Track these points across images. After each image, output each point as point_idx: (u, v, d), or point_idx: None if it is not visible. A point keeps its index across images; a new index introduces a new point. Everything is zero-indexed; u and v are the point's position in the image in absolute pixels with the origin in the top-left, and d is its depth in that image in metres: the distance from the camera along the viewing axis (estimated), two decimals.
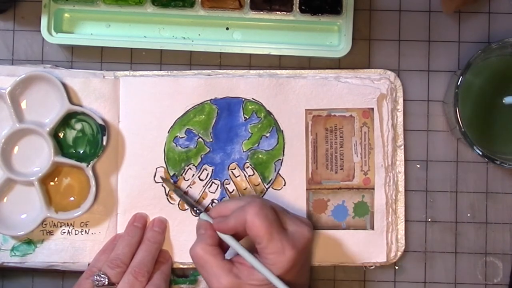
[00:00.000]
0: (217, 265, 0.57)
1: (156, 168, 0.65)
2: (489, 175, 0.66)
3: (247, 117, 0.65)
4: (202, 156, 0.65)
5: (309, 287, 0.62)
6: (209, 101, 0.65)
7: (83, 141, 0.65)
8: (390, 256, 0.65)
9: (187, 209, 0.65)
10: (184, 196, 0.64)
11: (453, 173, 0.66)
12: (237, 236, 0.59)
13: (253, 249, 0.58)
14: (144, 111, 0.65)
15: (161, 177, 0.65)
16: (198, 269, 0.58)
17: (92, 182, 0.63)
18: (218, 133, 0.65)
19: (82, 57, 0.67)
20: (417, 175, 0.66)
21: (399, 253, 0.65)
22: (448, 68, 0.67)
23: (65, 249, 0.65)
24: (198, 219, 0.61)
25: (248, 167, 0.65)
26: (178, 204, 0.65)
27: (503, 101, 0.63)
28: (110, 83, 0.65)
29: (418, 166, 0.66)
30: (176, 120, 0.65)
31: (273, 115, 0.65)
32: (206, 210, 0.64)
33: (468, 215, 0.66)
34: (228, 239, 0.59)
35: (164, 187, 0.65)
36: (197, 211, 0.62)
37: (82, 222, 0.65)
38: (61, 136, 0.65)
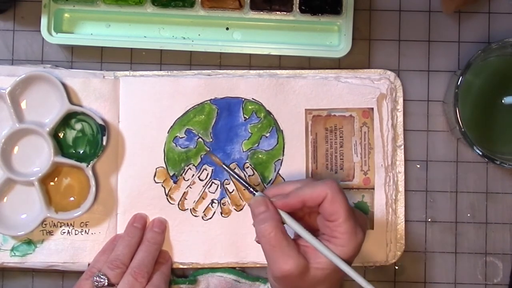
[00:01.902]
0: (288, 245, 0.54)
1: (156, 168, 0.65)
2: (489, 175, 0.66)
3: (247, 117, 0.65)
4: (202, 156, 0.65)
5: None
6: (209, 101, 0.65)
7: (83, 141, 0.65)
8: (390, 256, 0.65)
9: (187, 209, 0.65)
10: (237, 175, 0.62)
11: (453, 173, 0.66)
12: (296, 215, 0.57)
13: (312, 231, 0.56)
14: (144, 111, 0.65)
15: (209, 152, 0.64)
16: (266, 248, 0.55)
17: (92, 182, 0.63)
18: (218, 133, 0.65)
19: (82, 57, 0.67)
20: (417, 175, 0.66)
21: (399, 253, 0.65)
22: (448, 68, 0.67)
23: (65, 249, 0.65)
24: (252, 198, 0.58)
25: (248, 167, 0.65)
26: (178, 204, 0.65)
27: (503, 101, 0.63)
28: (110, 83, 0.65)
29: (418, 166, 0.66)
30: (176, 120, 0.65)
31: (273, 115, 0.65)
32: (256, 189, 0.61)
33: (468, 215, 0.66)
34: (290, 221, 0.56)
35: (164, 187, 0.65)
36: (252, 190, 0.59)
37: (82, 222, 0.65)
38: (61, 136, 0.65)
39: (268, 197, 0.58)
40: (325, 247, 0.54)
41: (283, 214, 0.56)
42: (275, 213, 0.56)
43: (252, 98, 0.65)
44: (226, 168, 0.63)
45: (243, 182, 0.61)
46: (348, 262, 0.55)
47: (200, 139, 0.65)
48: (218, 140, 0.65)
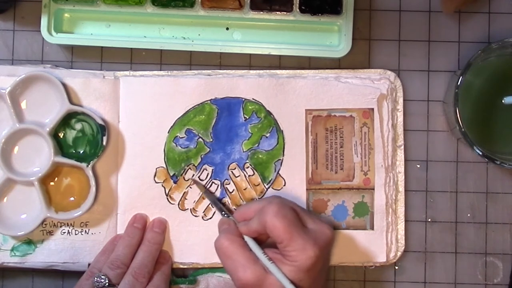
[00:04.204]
0: (243, 255, 0.57)
1: (156, 168, 0.65)
2: (489, 175, 0.66)
3: (247, 117, 0.65)
4: (202, 156, 0.65)
5: None
6: (209, 101, 0.65)
7: (83, 141, 0.65)
8: (390, 256, 0.65)
9: (187, 209, 0.65)
10: (214, 200, 0.65)
11: (453, 173, 0.66)
12: (262, 237, 0.60)
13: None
14: (144, 111, 0.65)
15: (193, 180, 0.65)
16: (223, 260, 0.58)
17: (92, 182, 0.63)
18: (218, 133, 0.65)
19: (82, 57, 0.67)
20: (417, 175, 0.66)
21: (399, 253, 0.65)
22: (448, 68, 0.67)
23: (65, 249, 0.65)
24: (221, 218, 0.63)
25: (248, 167, 0.65)
26: (178, 204, 0.65)
27: (503, 101, 0.63)
28: (110, 83, 0.65)
29: (418, 166, 0.66)
30: (176, 120, 0.65)
31: (273, 115, 0.65)
32: (231, 212, 0.64)
33: (468, 215, 0.66)
34: (250, 242, 0.59)
35: (164, 187, 0.65)
36: (225, 215, 0.63)
37: (82, 222, 0.65)
38: (61, 136, 0.65)
39: (236, 220, 0.62)
40: (278, 269, 0.56)
41: (246, 238, 0.59)
42: (235, 229, 0.60)
43: (252, 98, 0.65)
44: (208, 193, 0.65)
45: (219, 206, 0.64)
46: (307, 275, 0.56)
47: (200, 139, 0.65)
48: (218, 140, 0.65)
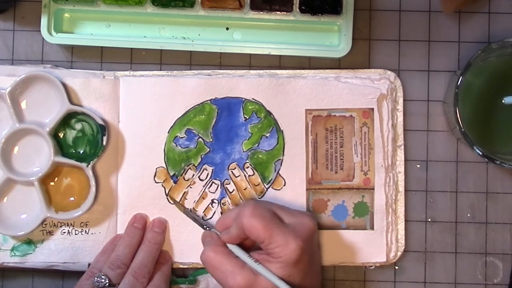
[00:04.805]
0: (230, 263, 0.57)
1: (156, 168, 0.65)
2: (489, 175, 0.66)
3: (247, 117, 0.65)
4: (202, 156, 0.65)
5: None
6: (209, 101, 0.65)
7: (83, 141, 0.65)
8: (390, 256, 0.65)
9: (187, 209, 0.65)
10: (194, 216, 0.65)
11: (453, 173, 0.66)
12: (247, 243, 0.60)
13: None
14: (144, 111, 0.65)
15: (172, 200, 0.65)
16: (211, 271, 0.58)
17: (92, 182, 0.63)
18: (218, 133, 0.65)
19: (82, 57, 0.67)
20: (417, 175, 0.66)
21: (399, 253, 0.65)
22: (448, 68, 0.67)
23: (65, 249, 0.65)
24: (203, 232, 0.63)
25: (248, 167, 0.65)
26: None
27: (503, 101, 0.63)
28: (110, 83, 0.65)
29: (418, 166, 0.66)
30: (176, 120, 0.65)
31: (273, 115, 0.65)
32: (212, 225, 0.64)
33: (468, 215, 0.66)
34: (234, 249, 0.59)
35: (164, 187, 0.65)
36: (207, 228, 0.63)
37: (82, 222, 0.65)
38: (61, 136, 0.65)
39: (217, 231, 0.62)
40: (266, 269, 0.57)
41: (230, 245, 0.60)
42: (218, 240, 0.60)
43: (252, 98, 0.65)
44: (188, 212, 0.65)
45: (200, 222, 0.64)
46: (295, 271, 0.56)
47: (200, 139, 0.65)
48: (218, 140, 0.65)
